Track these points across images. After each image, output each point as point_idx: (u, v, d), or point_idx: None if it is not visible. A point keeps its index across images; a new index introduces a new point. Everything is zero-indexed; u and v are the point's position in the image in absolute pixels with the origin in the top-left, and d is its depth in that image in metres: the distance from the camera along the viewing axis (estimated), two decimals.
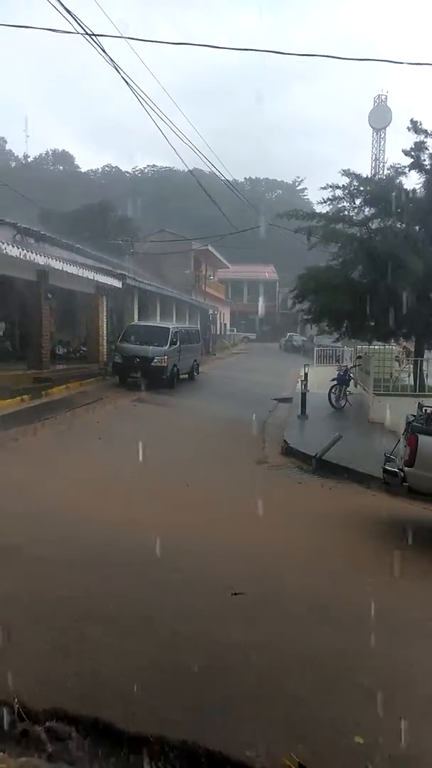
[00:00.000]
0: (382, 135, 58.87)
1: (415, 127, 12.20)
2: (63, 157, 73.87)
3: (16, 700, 2.69)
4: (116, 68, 10.47)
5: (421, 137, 12.20)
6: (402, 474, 6.03)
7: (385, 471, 6.30)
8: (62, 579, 4.22)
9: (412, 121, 12.26)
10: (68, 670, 3.07)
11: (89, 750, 2.54)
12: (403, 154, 12.42)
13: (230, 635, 3.59)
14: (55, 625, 3.55)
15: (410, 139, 12.34)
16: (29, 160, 70.47)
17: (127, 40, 10.82)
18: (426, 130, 12.20)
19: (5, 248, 12.58)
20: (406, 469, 5.96)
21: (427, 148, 12.35)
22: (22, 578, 4.16)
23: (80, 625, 3.56)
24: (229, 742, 2.55)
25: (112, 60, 10.34)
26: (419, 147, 12.24)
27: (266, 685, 3.12)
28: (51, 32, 9.87)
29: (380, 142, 58.72)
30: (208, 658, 3.31)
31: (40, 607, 3.75)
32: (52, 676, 2.99)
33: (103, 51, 9.98)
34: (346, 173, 12.45)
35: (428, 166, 12.47)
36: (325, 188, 12.53)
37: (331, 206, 13.03)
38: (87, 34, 9.62)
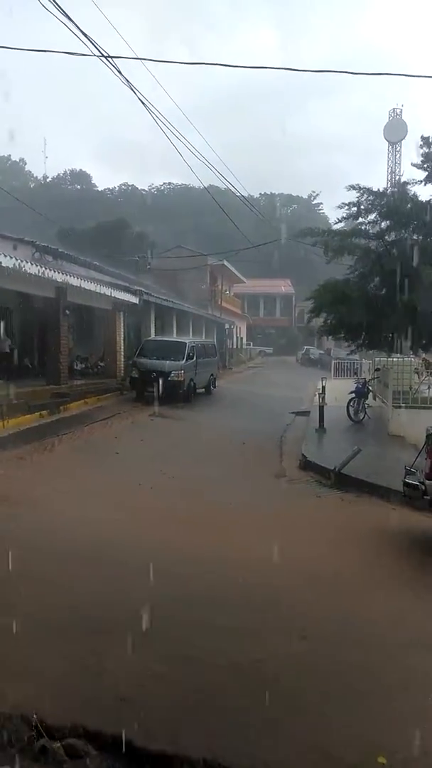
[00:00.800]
0: (398, 148, 59.04)
1: (427, 142, 12.22)
2: (80, 177, 75.18)
3: (35, 715, 2.67)
4: (132, 89, 10.69)
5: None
6: (423, 487, 5.93)
7: (406, 484, 6.21)
8: (80, 595, 4.22)
9: (422, 137, 12.30)
10: (87, 686, 3.04)
11: (107, 767, 2.51)
12: (413, 167, 12.43)
13: (251, 653, 3.53)
14: (74, 640, 3.54)
15: (423, 152, 12.34)
16: (47, 180, 71.87)
17: (143, 61, 11.07)
18: None
19: (24, 266, 12.80)
20: (426, 482, 5.86)
21: None
22: (39, 594, 4.16)
23: (100, 641, 3.54)
24: (249, 762, 2.51)
25: (127, 81, 10.57)
26: (429, 158, 12.23)
27: (289, 703, 3.06)
28: (68, 55, 10.12)
29: (396, 156, 58.86)
30: (228, 676, 3.26)
31: (58, 623, 3.74)
32: (72, 693, 2.97)
33: (119, 72, 10.19)
34: (356, 187, 12.47)
35: None
36: (341, 207, 12.60)
37: (345, 223, 13.07)
38: (103, 56, 9.85)
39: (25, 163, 76.12)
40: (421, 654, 3.68)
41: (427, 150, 12.21)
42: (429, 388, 13.81)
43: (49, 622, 3.73)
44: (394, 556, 5.65)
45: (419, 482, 6.03)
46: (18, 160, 74.96)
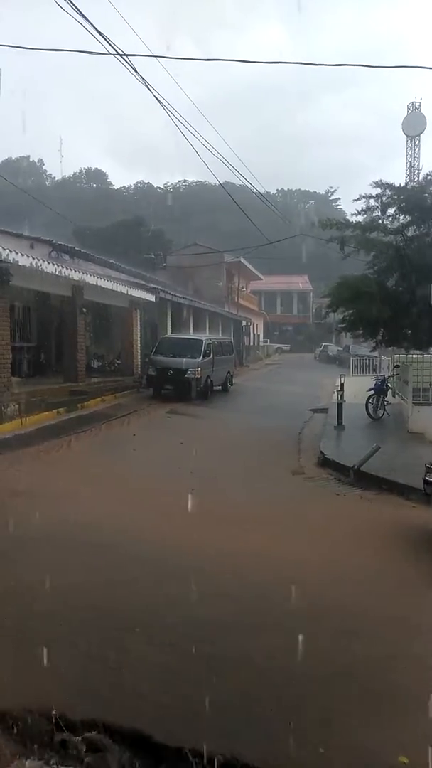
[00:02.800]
0: (417, 142, 58.17)
1: None
2: (96, 175, 75.64)
3: (54, 710, 2.68)
4: (147, 86, 10.68)
5: None
6: None
7: (426, 482, 6.12)
8: (99, 590, 4.23)
9: None
10: (107, 682, 3.05)
11: (126, 761, 2.51)
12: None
13: (270, 649, 3.51)
14: (94, 637, 3.55)
15: None
16: (64, 178, 72.42)
17: (158, 58, 11.05)
18: None
19: (42, 265, 12.89)
20: None
21: None
22: (58, 588, 4.18)
23: (120, 638, 3.55)
24: (269, 759, 2.48)
25: (143, 79, 10.56)
26: None
27: (306, 702, 3.04)
28: (83, 54, 10.13)
29: (415, 150, 58.03)
30: (247, 674, 3.24)
31: (79, 620, 3.75)
32: (92, 688, 2.98)
33: (135, 70, 10.19)
34: (378, 184, 12.33)
35: None
36: (358, 199, 12.44)
37: (365, 216, 12.90)
38: (119, 54, 9.86)
39: (43, 163, 76.79)
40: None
41: None
42: None
43: (68, 618, 3.75)
44: (414, 554, 5.57)
45: None
46: (36, 161, 75.63)
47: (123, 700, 2.89)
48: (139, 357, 20.28)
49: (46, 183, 71.92)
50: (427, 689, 3.19)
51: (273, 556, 5.17)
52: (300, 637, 3.69)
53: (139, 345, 20.52)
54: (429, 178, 12.84)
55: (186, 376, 16.95)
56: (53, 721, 2.65)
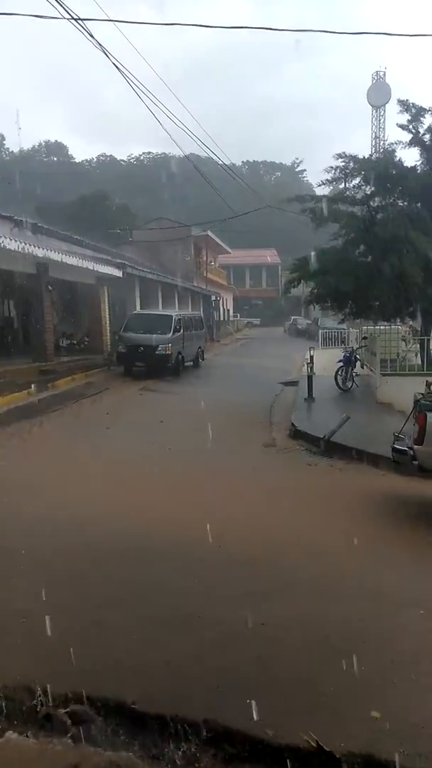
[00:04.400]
0: (382, 112, 57.99)
1: (405, 105, 12.06)
2: (57, 148, 73.30)
3: (38, 685, 2.73)
4: (105, 53, 10.35)
5: (423, 115, 12.05)
6: (411, 452, 6.02)
7: (395, 450, 6.30)
8: (80, 568, 4.26)
9: (399, 101, 12.16)
10: (89, 655, 3.10)
11: (111, 731, 2.57)
12: (399, 127, 12.28)
13: (246, 617, 3.61)
14: (75, 612, 3.60)
15: (406, 118, 12.21)
16: (23, 152, 69.97)
17: (116, 23, 10.67)
18: (420, 106, 12.06)
19: (3, 242, 12.54)
20: (415, 447, 5.95)
21: (423, 123, 12.19)
22: (41, 569, 4.20)
23: (101, 612, 3.60)
24: (248, 722, 2.58)
25: (100, 45, 10.22)
26: (416, 118, 12.09)
27: (282, 664, 3.15)
28: (37, 19, 9.70)
29: (380, 120, 57.89)
30: (228, 640, 3.34)
31: (60, 596, 3.79)
32: (74, 662, 3.03)
33: (91, 36, 9.84)
34: (341, 156, 12.30)
35: (428, 142, 12.29)
36: (327, 171, 12.41)
37: (331, 187, 12.89)
38: (74, 18, 9.48)
39: (4, 138, 73.92)
40: (413, 609, 3.79)
41: (408, 115, 12.06)
42: (416, 355, 13.89)
43: (48, 596, 3.78)
44: (383, 519, 5.76)
45: (407, 447, 6.12)
46: None
47: (106, 673, 2.95)
48: (108, 334, 20.04)
49: (5, 157, 69.40)
50: (398, 652, 3.35)
51: (249, 525, 5.28)
52: (281, 605, 3.81)
53: (108, 322, 20.26)
54: (391, 148, 12.87)
55: (157, 352, 16.87)
56: (37, 695, 2.69)
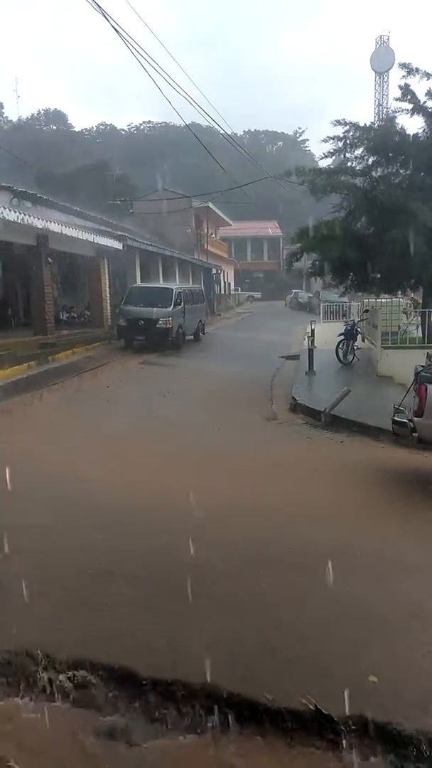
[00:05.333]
0: (385, 79, 56.60)
1: (408, 68, 11.65)
2: (56, 117, 71.76)
3: (39, 650, 2.77)
4: (104, 15, 10.05)
5: (423, 80, 11.68)
6: (411, 424, 6.03)
7: (395, 422, 6.30)
8: (78, 539, 4.30)
9: (400, 64, 11.74)
10: (89, 622, 3.15)
11: (112, 696, 2.63)
12: (399, 91, 11.91)
13: (246, 585, 3.66)
14: (76, 581, 3.64)
15: (410, 83, 11.84)
16: (22, 120, 68.55)
17: None
18: (424, 71, 11.69)
19: (2, 213, 12.37)
20: (415, 419, 5.95)
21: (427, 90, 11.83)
22: (43, 539, 4.24)
23: (101, 581, 3.64)
24: (248, 688, 2.63)
25: (99, 7, 9.91)
26: (407, 89, 11.73)
27: (282, 629, 3.20)
28: None
29: (383, 86, 56.53)
30: (222, 606, 3.39)
31: (61, 565, 3.83)
32: (74, 629, 3.08)
33: None
34: (341, 122, 11.98)
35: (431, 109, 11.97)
36: (326, 141, 12.11)
37: (334, 158, 12.61)
38: None
39: (2, 107, 72.33)
40: (408, 576, 3.84)
41: (411, 78, 11.69)
42: (417, 328, 13.82)
43: (49, 565, 3.83)
44: (384, 491, 5.80)
45: (407, 420, 6.12)
46: None
47: (107, 639, 3.00)
48: (108, 308, 19.93)
49: (4, 126, 68.00)
50: (399, 615, 3.39)
51: (249, 498, 5.32)
52: (281, 575, 3.86)
53: (108, 295, 20.13)
54: (393, 115, 12.54)
55: (157, 326, 16.78)
56: (39, 660, 2.74)
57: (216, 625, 3.19)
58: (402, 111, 12.06)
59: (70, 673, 2.70)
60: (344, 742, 2.40)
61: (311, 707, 2.50)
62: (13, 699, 2.60)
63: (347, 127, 11.89)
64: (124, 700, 2.62)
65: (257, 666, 2.82)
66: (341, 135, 11.88)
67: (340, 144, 12.08)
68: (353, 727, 2.44)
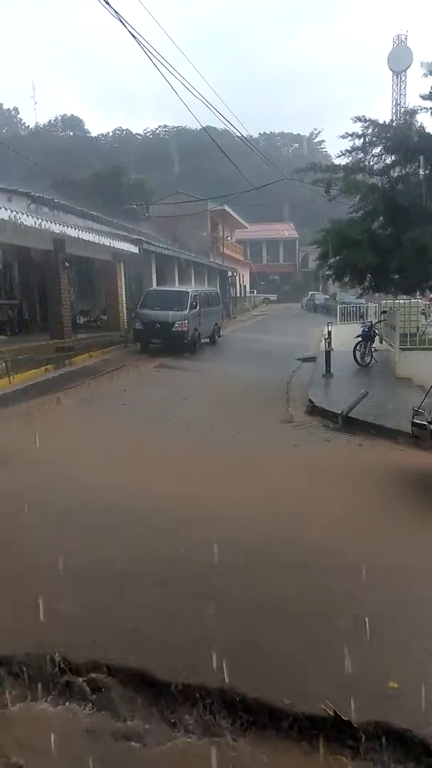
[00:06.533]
0: (403, 78, 56.24)
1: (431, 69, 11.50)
2: (72, 122, 72.62)
3: (57, 653, 2.78)
4: (121, 20, 10.10)
5: None
6: (430, 426, 5.94)
7: (414, 424, 6.21)
8: (99, 541, 4.31)
9: (423, 63, 11.56)
10: (107, 625, 3.15)
11: (130, 699, 2.62)
12: (418, 90, 11.77)
13: (266, 588, 3.63)
14: (95, 583, 3.65)
15: (429, 83, 11.67)
16: (40, 126, 69.49)
17: None
18: None
19: (20, 218, 12.51)
20: None
21: None
22: (54, 542, 4.26)
23: (120, 583, 3.65)
24: (266, 690, 2.60)
25: (116, 12, 9.98)
26: None
27: (302, 634, 3.16)
28: None
29: (401, 86, 56.14)
30: (241, 608, 3.36)
31: (80, 567, 3.84)
32: (93, 632, 3.08)
33: (107, 2, 9.61)
34: (360, 119, 11.84)
35: None
36: (345, 137, 12.00)
37: (350, 158, 12.51)
38: None
39: (18, 112, 73.45)
40: (429, 581, 3.78)
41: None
42: None
43: (66, 568, 3.84)
44: (402, 494, 5.72)
45: (427, 422, 6.03)
46: (11, 109, 72.33)
47: (124, 642, 2.99)
48: (125, 311, 20.03)
49: (22, 133, 68.95)
50: (420, 621, 3.34)
51: (266, 500, 5.29)
52: (295, 575, 3.82)
53: (124, 299, 20.23)
54: (412, 111, 12.38)
55: (173, 329, 16.82)
56: (57, 663, 2.74)
57: (234, 629, 3.17)
58: (422, 110, 11.91)
59: (88, 675, 2.70)
60: (363, 748, 2.36)
61: (330, 713, 2.47)
62: (31, 700, 2.61)
63: (366, 123, 11.77)
64: (141, 703, 2.61)
65: (275, 670, 2.80)
66: (360, 132, 11.76)
67: (359, 141, 11.95)
68: (373, 734, 2.40)
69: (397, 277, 12.31)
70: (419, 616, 3.40)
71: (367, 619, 3.26)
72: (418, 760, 2.32)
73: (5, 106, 71.11)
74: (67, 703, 2.61)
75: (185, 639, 3.03)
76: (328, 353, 13.07)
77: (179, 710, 2.56)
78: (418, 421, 6.16)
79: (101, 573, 3.78)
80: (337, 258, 12.37)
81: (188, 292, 18.40)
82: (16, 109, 73.40)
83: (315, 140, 76.37)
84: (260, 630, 3.18)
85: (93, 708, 2.57)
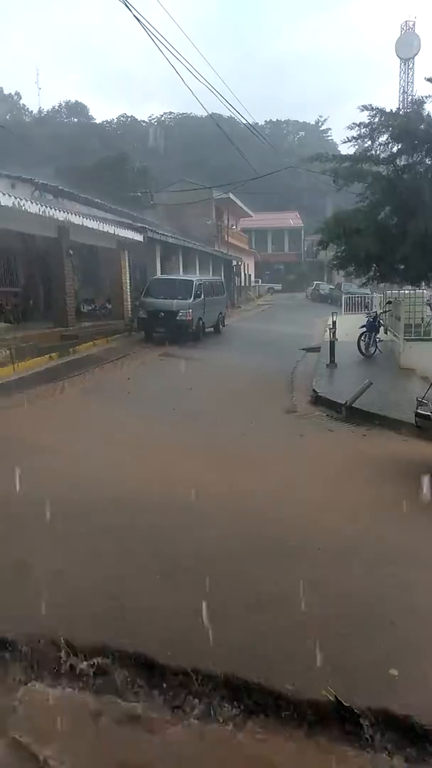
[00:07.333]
0: (410, 65, 55.45)
1: None
2: (77, 109, 71.98)
3: (61, 637, 2.81)
4: (126, 4, 9.99)
5: None
6: None
7: (418, 415, 6.21)
8: (97, 528, 4.34)
9: None
10: (110, 610, 3.18)
11: (133, 683, 2.65)
12: (428, 82, 11.62)
13: (266, 574, 3.66)
14: (98, 567, 3.68)
15: None
16: (43, 113, 68.96)
17: None
18: None
19: (24, 205, 12.47)
20: None
21: None
22: (62, 525, 4.29)
23: (121, 568, 3.68)
24: (268, 675, 2.63)
25: None
26: None
27: (303, 620, 3.19)
28: None
29: (408, 74, 55.39)
30: (245, 596, 3.39)
31: (82, 554, 3.87)
32: (97, 616, 3.11)
33: None
34: (367, 108, 11.71)
35: None
36: (352, 127, 11.88)
37: (356, 146, 12.39)
38: None
39: (20, 97, 72.78)
40: (425, 568, 3.81)
41: None
42: None
43: (69, 553, 3.87)
44: (404, 483, 5.72)
45: (431, 413, 6.03)
46: (13, 94, 71.67)
47: (127, 626, 3.02)
48: (129, 300, 19.99)
49: (26, 119, 68.44)
50: (423, 609, 3.36)
51: (269, 490, 5.31)
52: (300, 564, 3.84)
53: (128, 287, 20.18)
54: (420, 101, 12.23)
55: (177, 318, 16.79)
56: (60, 647, 2.78)
57: (238, 615, 3.20)
58: (429, 98, 11.76)
59: (92, 659, 2.73)
60: (364, 733, 2.39)
61: (332, 699, 2.49)
62: (36, 683, 2.64)
63: (373, 112, 11.64)
64: (145, 687, 2.64)
65: (279, 657, 2.82)
66: (367, 121, 11.64)
67: (366, 130, 11.83)
68: (373, 720, 2.43)
69: (402, 267, 12.24)
70: (423, 604, 3.42)
71: (370, 607, 3.28)
72: (419, 746, 2.34)
73: (6, 92, 70.45)
74: (70, 687, 2.64)
75: (188, 624, 3.05)
76: (332, 343, 13.04)
77: (182, 695, 2.59)
78: (421, 412, 6.16)
79: (103, 560, 3.81)
80: (341, 247, 12.31)
81: (193, 281, 18.35)
82: (18, 94, 72.69)
83: (321, 128, 75.71)
84: (264, 617, 3.20)
85: (96, 692, 2.61)
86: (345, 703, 2.46)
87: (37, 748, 2.30)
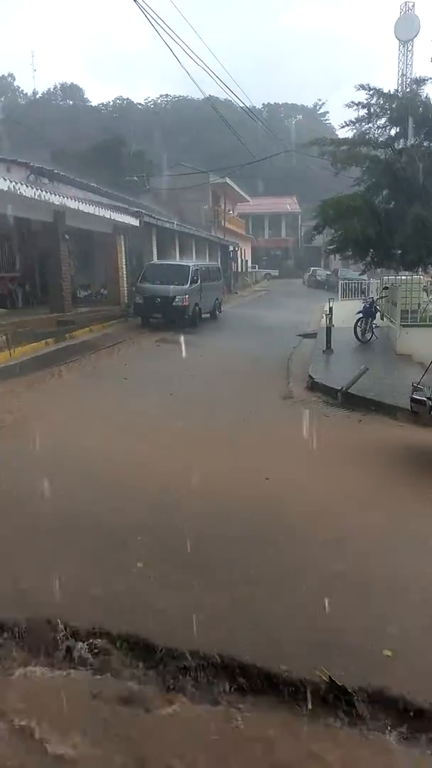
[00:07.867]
0: (410, 48, 54.65)
1: None
2: (72, 91, 70.99)
3: (59, 619, 2.84)
4: None
5: None
6: (430, 403, 5.95)
7: (413, 400, 6.22)
8: (95, 512, 4.36)
9: None
10: (107, 592, 3.21)
11: (130, 664, 2.68)
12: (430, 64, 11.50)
13: (262, 558, 3.69)
14: (93, 552, 3.71)
15: None
16: (37, 96, 67.96)
17: None
18: None
19: (20, 189, 12.34)
20: None
21: None
22: (55, 510, 4.31)
23: (118, 552, 3.70)
24: (262, 656, 2.67)
25: None
26: None
27: (297, 601, 3.22)
28: None
29: (407, 56, 54.62)
30: (240, 578, 3.42)
31: (78, 537, 3.90)
32: (93, 598, 3.14)
33: None
34: (364, 87, 11.53)
35: None
36: (350, 106, 11.72)
37: (354, 129, 12.26)
38: None
39: (14, 79, 71.71)
40: (428, 553, 3.84)
41: None
42: None
43: (67, 536, 3.90)
44: (399, 468, 5.76)
45: (426, 398, 6.05)
46: (6, 75, 70.61)
47: (124, 608, 3.05)
48: (125, 285, 19.89)
49: (21, 101, 67.46)
50: (417, 592, 3.40)
51: (265, 475, 5.33)
52: (294, 547, 3.88)
53: (125, 273, 20.06)
54: (418, 81, 12.10)
55: (174, 303, 16.72)
56: (58, 629, 2.81)
57: (233, 597, 3.23)
58: (427, 79, 11.64)
59: (89, 641, 2.76)
60: (357, 713, 2.43)
61: (325, 679, 2.53)
62: (34, 665, 2.67)
63: (371, 92, 11.49)
64: (141, 668, 2.68)
65: (273, 638, 2.86)
66: (364, 102, 11.49)
67: (363, 111, 11.68)
68: (367, 699, 2.47)
69: (399, 252, 12.18)
70: (416, 587, 3.46)
71: (364, 589, 3.32)
72: (411, 725, 2.39)
73: (0, 74, 69.42)
74: (68, 668, 2.67)
75: (185, 606, 3.08)
76: (328, 329, 13.01)
77: (178, 676, 2.63)
78: (417, 397, 6.17)
79: (99, 543, 3.83)
80: (336, 230, 12.21)
81: (189, 267, 18.24)
82: (12, 75, 71.61)
83: (319, 111, 74.91)
84: (259, 599, 3.24)
85: (94, 673, 2.64)
86: (338, 683, 2.50)
87: (35, 728, 2.33)
